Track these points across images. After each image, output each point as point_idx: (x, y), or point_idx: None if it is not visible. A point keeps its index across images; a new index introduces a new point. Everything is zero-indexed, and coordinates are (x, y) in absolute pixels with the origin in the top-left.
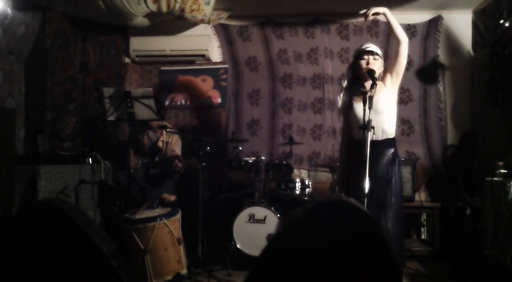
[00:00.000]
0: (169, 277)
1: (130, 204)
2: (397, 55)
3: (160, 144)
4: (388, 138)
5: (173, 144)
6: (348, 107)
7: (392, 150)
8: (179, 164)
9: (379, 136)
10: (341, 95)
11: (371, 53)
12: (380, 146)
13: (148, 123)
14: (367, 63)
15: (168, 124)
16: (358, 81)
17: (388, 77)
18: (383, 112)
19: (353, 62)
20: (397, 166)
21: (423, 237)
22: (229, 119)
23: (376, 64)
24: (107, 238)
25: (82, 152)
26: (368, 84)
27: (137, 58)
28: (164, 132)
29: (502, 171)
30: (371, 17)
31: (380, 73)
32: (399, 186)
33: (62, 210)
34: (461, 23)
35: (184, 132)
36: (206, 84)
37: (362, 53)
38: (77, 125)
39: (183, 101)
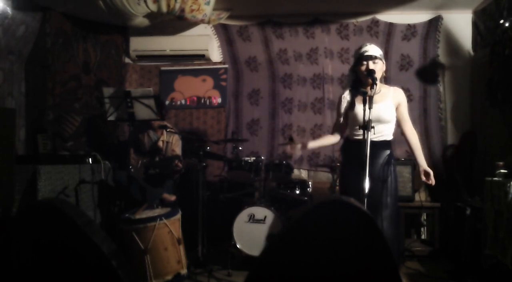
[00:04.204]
0: (169, 277)
1: (130, 204)
2: (403, 122)
3: (160, 143)
4: (385, 140)
5: (174, 144)
6: (350, 107)
7: (388, 151)
8: (180, 164)
9: (378, 137)
10: (345, 94)
11: (370, 58)
12: (377, 147)
13: (149, 123)
14: (367, 69)
15: (168, 125)
16: (360, 83)
17: (398, 104)
18: (389, 123)
19: (353, 65)
20: (393, 166)
21: (423, 237)
22: (229, 119)
23: (377, 68)
24: (107, 238)
25: (86, 151)
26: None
27: (137, 58)
28: (165, 132)
29: (502, 171)
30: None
31: (382, 74)
32: (394, 186)
33: (62, 210)
34: (461, 23)
35: (184, 132)
36: (206, 84)
37: (361, 58)
38: (81, 125)
39: (183, 101)
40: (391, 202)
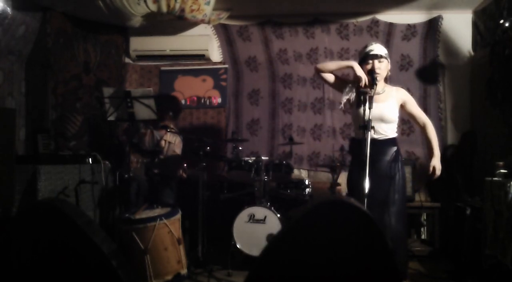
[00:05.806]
0: (169, 277)
1: (130, 204)
2: (414, 119)
3: (162, 143)
4: (390, 138)
5: (175, 144)
6: (356, 106)
7: (395, 148)
8: (184, 175)
9: (381, 136)
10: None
11: (376, 57)
12: (383, 144)
13: (153, 122)
14: (372, 68)
15: (171, 125)
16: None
17: (403, 103)
18: (391, 123)
19: (358, 63)
20: (400, 163)
21: (423, 237)
22: (229, 119)
23: (382, 67)
24: (107, 238)
25: (88, 150)
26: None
27: (137, 58)
28: (168, 132)
29: (502, 171)
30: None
31: (388, 73)
32: (402, 183)
33: (62, 210)
34: (461, 23)
35: (184, 132)
36: (206, 84)
37: (367, 57)
38: (83, 124)
39: (183, 101)
40: (398, 199)
